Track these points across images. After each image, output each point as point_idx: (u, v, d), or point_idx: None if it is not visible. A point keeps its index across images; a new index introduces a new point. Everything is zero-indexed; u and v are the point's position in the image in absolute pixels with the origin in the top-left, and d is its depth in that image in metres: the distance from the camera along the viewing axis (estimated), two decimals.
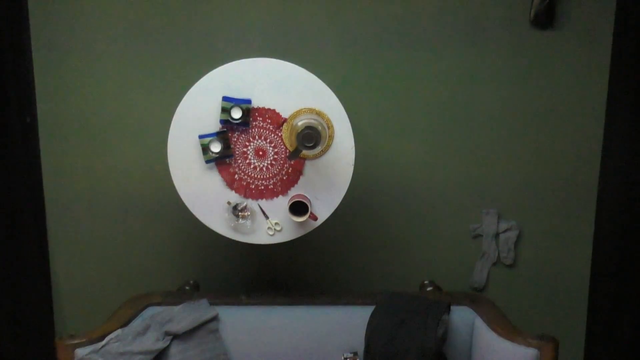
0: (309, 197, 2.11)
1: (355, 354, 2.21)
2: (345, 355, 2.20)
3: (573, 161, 2.59)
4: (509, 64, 2.52)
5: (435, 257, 2.65)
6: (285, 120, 2.10)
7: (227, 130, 2.10)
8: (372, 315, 2.24)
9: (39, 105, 2.56)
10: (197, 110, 2.10)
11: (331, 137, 2.09)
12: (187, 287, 2.51)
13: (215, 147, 2.08)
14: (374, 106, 2.55)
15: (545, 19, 2.47)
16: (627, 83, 2.50)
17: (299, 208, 2.07)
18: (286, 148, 2.11)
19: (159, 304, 2.32)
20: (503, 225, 2.61)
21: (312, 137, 1.94)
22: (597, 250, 2.64)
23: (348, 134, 2.10)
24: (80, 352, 2.01)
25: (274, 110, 2.10)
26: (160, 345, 2.11)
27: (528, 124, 2.56)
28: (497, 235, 2.63)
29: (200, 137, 2.09)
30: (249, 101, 2.09)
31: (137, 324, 2.20)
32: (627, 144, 2.52)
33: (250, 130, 2.11)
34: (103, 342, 2.03)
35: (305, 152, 2.01)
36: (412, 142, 2.58)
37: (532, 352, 1.97)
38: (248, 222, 2.14)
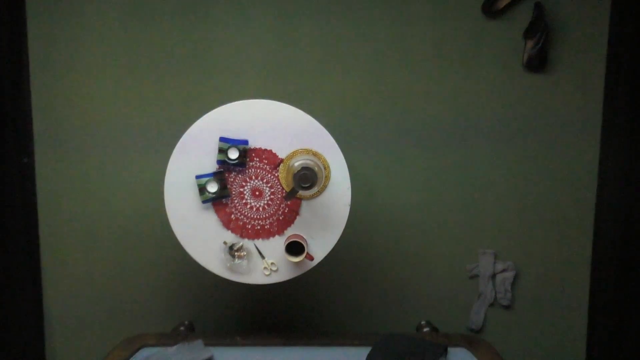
0: (305, 238, 2.11)
1: None
2: None
3: (568, 202, 2.60)
4: (503, 107, 2.56)
5: (432, 298, 2.64)
6: (281, 160, 2.11)
7: (224, 170, 2.11)
8: (369, 357, 2.22)
9: (36, 149, 2.58)
10: (194, 150, 2.11)
11: (328, 178, 2.10)
12: (182, 328, 2.49)
13: (212, 187, 2.09)
14: (371, 147, 2.57)
15: (537, 63, 2.51)
16: (620, 127, 2.53)
17: (295, 248, 2.06)
18: (283, 188, 2.12)
19: (153, 345, 2.29)
20: (500, 266, 2.61)
21: (308, 178, 1.95)
22: (594, 291, 2.64)
23: (344, 175, 2.12)
24: None
25: (270, 151, 2.12)
26: None
27: (523, 166, 2.58)
28: (493, 275, 2.62)
29: (197, 177, 2.10)
30: (245, 142, 2.11)
31: None
32: (621, 187, 2.54)
33: (247, 171, 2.12)
34: None
35: (301, 192, 2.02)
36: (409, 183, 2.59)
37: None
38: (244, 262, 2.13)
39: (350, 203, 2.12)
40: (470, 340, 2.36)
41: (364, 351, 2.24)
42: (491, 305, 2.64)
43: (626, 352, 2.65)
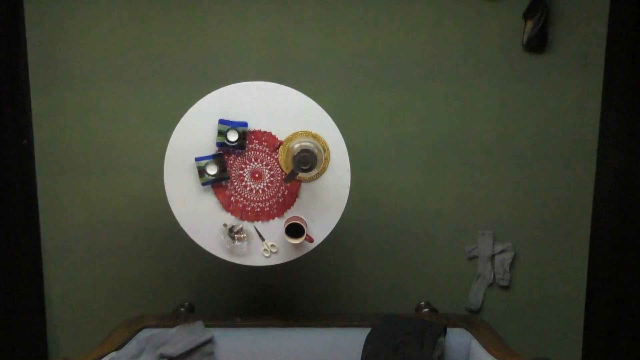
0: (304, 219, 2.12)
1: None
2: None
3: (567, 184, 2.60)
4: (503, 88, 2.55)
5: (431, 279, 2.65)
6: (281, 143, 2.11)
7: (224, 153, 2.11)
8: (368, 338, 2.24)
9: (35, 131, 2.57)
10: (194, 133, 2.11)
11: (327, 160, 2.10)
12: (182, 310, 2.50)
13: (212, 170, 2.09)
14: (370, 129, 2.57)
15: (537, 43, 2.50)
16: (620, 107, 2.52)
17: (295, 230, 2.07)
18: (282, 171, 2.12)
19: (154, 327, 2.31)
20: (498, 247, 2.62)
21: (308, 160, 1.95)
22: (592, 272, 2.65)
23: (344, 156, 2.12)
24: None
25: (270, 133, 2.12)
26: None
27: (522, 147, 2.58)
28: (492, 256, 2.63)
29: (197, 159, 2.10)
30: (245, 124, 2.11)
31: (131, 346, 2.18)
32: (621, 168, 2.54)
33: (246, 153, 2.12)
34: None
35: (301, 174, 2.02)
36: (408, 165, 2.59)
37: None
38: (244, 244, 2.14)
39: (349, 185, 2.12)
40: (469, 320, 2.39)
41: (364, 332, 2.26)
42: (490, 285, 2.65)
43: (624, 332, 2.67)
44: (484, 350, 2.14)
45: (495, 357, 2.07)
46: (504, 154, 2.58)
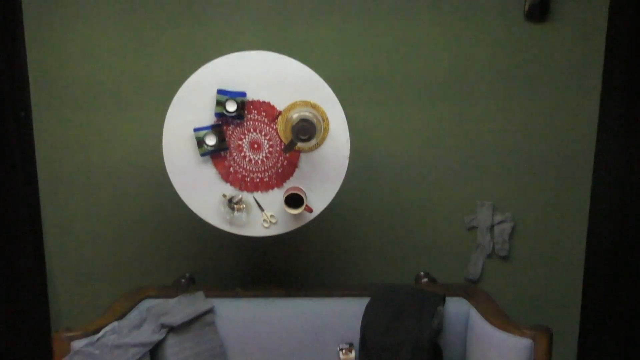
0: (304, 190, 2.12)
1: (350, 345, 2.22)
2: (340, 347, 2.21)
3: (567, 154, 2.60)
4: (503, 57, 2.53)
5: (431, 249, 2.66)
6: (280, 113, 2.10)
7: (222, 123, 2.10)
8: (368, 307, 2.25)
9: (33, 104, 2.56)
10: (192, 103, 2.10)
11: (326, 130, 2.09)
12: (182, 281, 2.51)
13: (210, 140, 2.09)
14: (370, 99, 2.55)
15: (539, 12, 2.47)
16: (621, 76, 2.51)
17: (294, 200, 2.07)
18: (281, 141, 2.11)
19: (154, 297, 2.33)
20: (498, 217, 2.62)
21: (307, 130, 1.94)
22: (591, 242, 2.66)
23: (343, 127, 2.11)
24: (76, 344, 2.02)
25: (268, 103, 2.11)
26: (157, 337, 2.12)
27: (523, 117, 2.57)
28: (492, 227, 2.64)
29: (195, 130, 2.09)
30: (243, 94, 2.09)
31: (133, 316, 2.20)
32: (621, 137, 2.54)
33: (245, 123, 2.11)
34: (99, 335, 2.03)
35: (300, 144, 2.02)
36: (408, 135, 2.58)
37: (526, 342, 1.98)
38: (243, 215, 2.14)
39: (349, 155, 2.11)
40: (468, 290, 2.40)
41: (363, 302, 2.27)
42: (489, 256, 2.66)
43: (622, 302, 2.69)
44: (483, 318, 2.15)
45: (494, 325, 2.09)
46: (504, 125, 2.57)
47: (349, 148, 2.11)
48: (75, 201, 2.62)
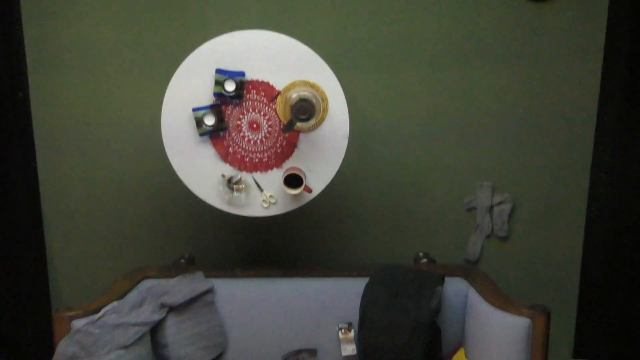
0: (303, 170, 2.12)
1: (349, 324, 2.23)
2: (340, 326, 2.23)
3: (567, 135, 2.59)
4: (504, 37, 2.51)
5: (430, 230, 2.66)
6: (279, 92, 2.09)
7: (221, 103, 2.09)
8: (367, 287, 2.26)
9: (31, 81, 2.55)
10: (191, 83, 2.09)
11: (325, 110, 2.09)
12: (182, 261, 2.52)
13: (209, 120, 2.08)
14: (369, 79, 2.54)
15: None
16: (622, 56, 2.49)
17: (293, 181, 2.07)
18: (280, 121, 2.11)
19: (154, 278, 2.34)
20: (497, 198, 2.63)
21: (306, 110, 1.94)
22: (590, 222, 2.66)
23: (342, 106, 2.10)
24: (76, 323, 2.03)
25: (267, 83, 2.10)
26: (157, 317, 2.12)
27: (522, 98, 2.56)
28: (491, 208, 2.64)
29: (194, 110, 2.08)
30: (242, 74, 2.08)
31: (133, 296, 2.21)
32: (621, 118, 2.53)
33: (244, 103, 2.11)
34: (99, 314, 2.04)
35: (299, 124, 2.01)
36: (407, 115, 2.58)
37: (524, 321, 1.98)
38: (242, 195, 2.14)
39: (348, 135, 2.11)
40: (467, 270, 2.41)
41: (362, 282, 2.28)
42: (488, 236, 2.67)
43: (620, 282, 2.70)
44: (481, 298, 2.16)
45: (492, 305, 2.10)
46: (503, 104, 2.56)
47: (348, 128, 2.11)
48: (74, 182, 2.62)
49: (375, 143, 2.59)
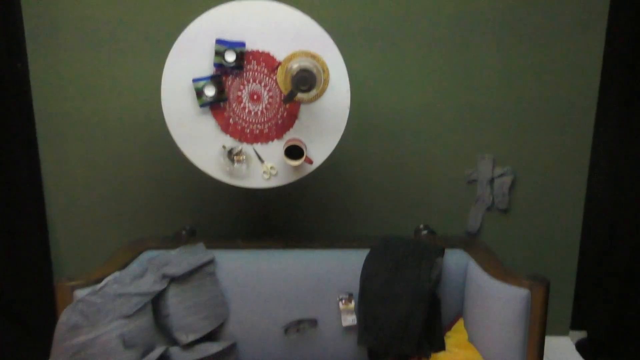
0: (304, 141, 2.11)
1: (350, 295, 2.24)
2: (340, 297, 2.24)
3: (569, 108, 2.58)
4: (506, 12, 2.49)
5: (431, 202, 2.66)
6: (279, 63, 2.08)
7: (221, 74, 2.08)
8: (368, 258, 2.27)
9: (29, 54, 2.53)
10: (191, 53, 2.07)
11: (326, 81, 2.07)
12: (183, 232, 2.53)
13: (210, 91, 2.07)
14: (370, 50, 2.52)
15: None
16: (625, 31, 2.47)
17: (294, 152, 2.06)
18: (281, 92, 2.09)
19: (155, 249, 2.35)
20: (498, 171, 2.62)
21: (307, 80, 1.92)
22: (590, 194, 2.66)
23: (344, 77, 2.09)
24: (79, 293, 2.04)
25: (268, 54, 2.08)
26: (158, 287, 2.14)
27: (524, 70, 2.54)
28: (492, 180, 2.64)
29: (194, 80, 2.07)
30: (242, 44, 2.07)
31: (134, 267, 2.22)
32: (624, 93, 2.52)
33: (244, 74, 2.09)
34: (102, 284, 2.05)
35: (300, 95, 2.00)
36: (408, 87, 2.56)
37: (523, 292, 2.00)
38: (243, 167, 2.14)
39: (349, 106, 2.10)
40: (467, 242, 2.42)
41: (363, 253, 2.29)
42: (489, 209, 2.67)
43: (619, 255, 2.71)
44: (481, 269, 2.17)
45: (492, 276, 2.11)
46: (505, 76, 2.55)
47: (349, 99, 2.10)
48: (75, 153, 2.61)
49: (376, 115, 2.57)
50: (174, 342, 2.19)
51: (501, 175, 2.62)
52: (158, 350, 2.10)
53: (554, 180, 2.65)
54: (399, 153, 2.61)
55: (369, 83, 2.54)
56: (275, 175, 2.16)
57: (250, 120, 2.12)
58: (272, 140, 2.14)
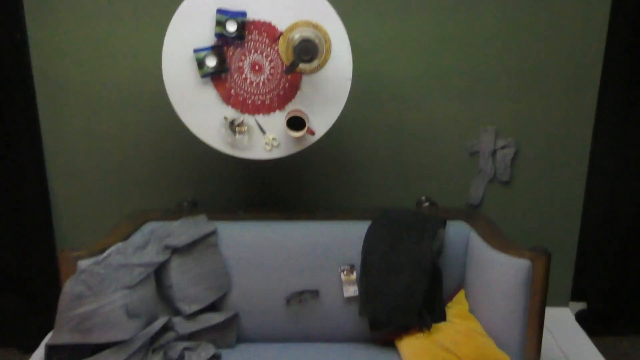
0: (306, 113, 2.10)
1: (352, 266, 2.25)
2: (342, 268, 2.25)
3: (572, 80, 2.56)
4: None
5: (432, 174, 2.66)
6: (281, 33, 2.06)
7: (223, 44, 2.06)
8: (369, 230, 2.28)
9: (28, 23, 2.50)
10: (192, 23, 2.05)
11: (328, 52, 2.05)
12: (185, 204, 2.53)
13: (211, 61, 2.05)
14: (372, 21, 2.50)
15: None
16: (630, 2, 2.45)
17: (296, 123, 2.05)
18: (283, 62, 2.08)
19: (157, 220, 2.35)
20: (500, 143, 2.61)
21: (309, 50, 1.91)
22: (593, 166, 2.66)
23: (346, 48, 2.07)
24: (82, 264, 2.05)
25: (269, 24, 2.06)
26: (161, 258, 2.15)
27: (527, 41, 2.52)
28: (494, 152, 2.63)
29: (195, 51, 2.05)
30: (244, 14, 2.04)
31: (137, 238, 2.23)
32: (628, 63, 2.51)
33: (245, 44, 2.07)
34: (104, 254, 2.06)
35: (302, 66, 1.99)
36: (411, 58, 2.54)
37: (524, 263, 2.00)
38: (245, 138, 2.13)
39: (351, 77, 2.08)
40: (469, 214, 2.42)
41: (365, 225, 2.30)
42: (490, 181, 2.67)
43: (619, 227, 2.71)
44: (483, 241, 2.18)
45: (493, 247, 2.11)
46: (508, 48, 2.53)
47: (351, 70, 2.08)
48: (76, 123, 2.60)
49: (378, 87, 2.56)
50: (176, 312, 2.21)
51: (504, 147, 2.62)
52: (161, 320, 2.12)
53: (557, 152, 2.65)
54: (401, 125, 2.60)
55: (371, 54, 2.52)
56: (277, 146, 2.15)
57: (252, 91, 2.11)
58: (274, 111, 2.13)
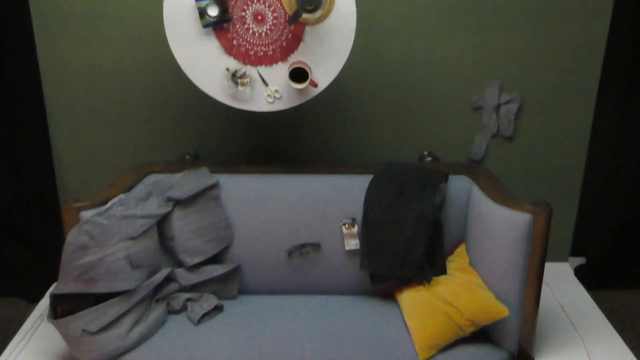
0: (309, 64, 2.07)
1: (353, 220, 2.26)
2: (343, 222, 2.26)
3: (578, 33, 2.52)
4: None
5: (435, 129, 2.65)
6: None
7: None
8: (371, 183, 2.28)
9: None
10: None
11: (332, 2, 2.02)
12: (187, 157, 2.53)
13: (213, 11, 2.02)
14: None
15: None
16: None
17: (299, 75, 2.03)
18: (286, 12, 2.04)
19: (160, 172, 2.35)
20: (505, 97, 2.59)
21: (312, 0, 1.87)
22: (597, 121, 2.64)
23: None
24: (85, 214, 2.06)
25: None
26: (163, 210, 2.16)
27: None
28: (498, 107, 2.61)
29: (197, 0, 2.02)
30: None
31: (139, 190, 2.23)
32: (637, 10, 2.46)
33: None
34: (107, 205, 2.07)
35: (305, 16, 1.95)
36: (415, 11, 2.50)
37: (526, 217, 2.00)
38: (247, 90, 2.11)
39: (355, 29, 2.05)
40: (471, 168, 2.42)
41: (367, 179, 2.29)
42: (494, 136, 2.65)
43: (620, 183, 2.71)
44: (484, 195, 2.18)
45: (495, 201, 2.11)
46: (514, 3, 2.48)
47: (355, 21, 2.05)
48: (77, 77, 2.58)
49: (381, 40, 2.52)
50: (179, 264, 2.24)
51: (507, 102, 2.59)
52: (164, 272, 2.14)
53: (561, 107, 2.62)
54: (404, 79, 2.57)
55: (374, 5, 2.47)
56: (280, 98, 2.13)
57: (254, 42, 2.08)
58: (277, 62, 2.10)
